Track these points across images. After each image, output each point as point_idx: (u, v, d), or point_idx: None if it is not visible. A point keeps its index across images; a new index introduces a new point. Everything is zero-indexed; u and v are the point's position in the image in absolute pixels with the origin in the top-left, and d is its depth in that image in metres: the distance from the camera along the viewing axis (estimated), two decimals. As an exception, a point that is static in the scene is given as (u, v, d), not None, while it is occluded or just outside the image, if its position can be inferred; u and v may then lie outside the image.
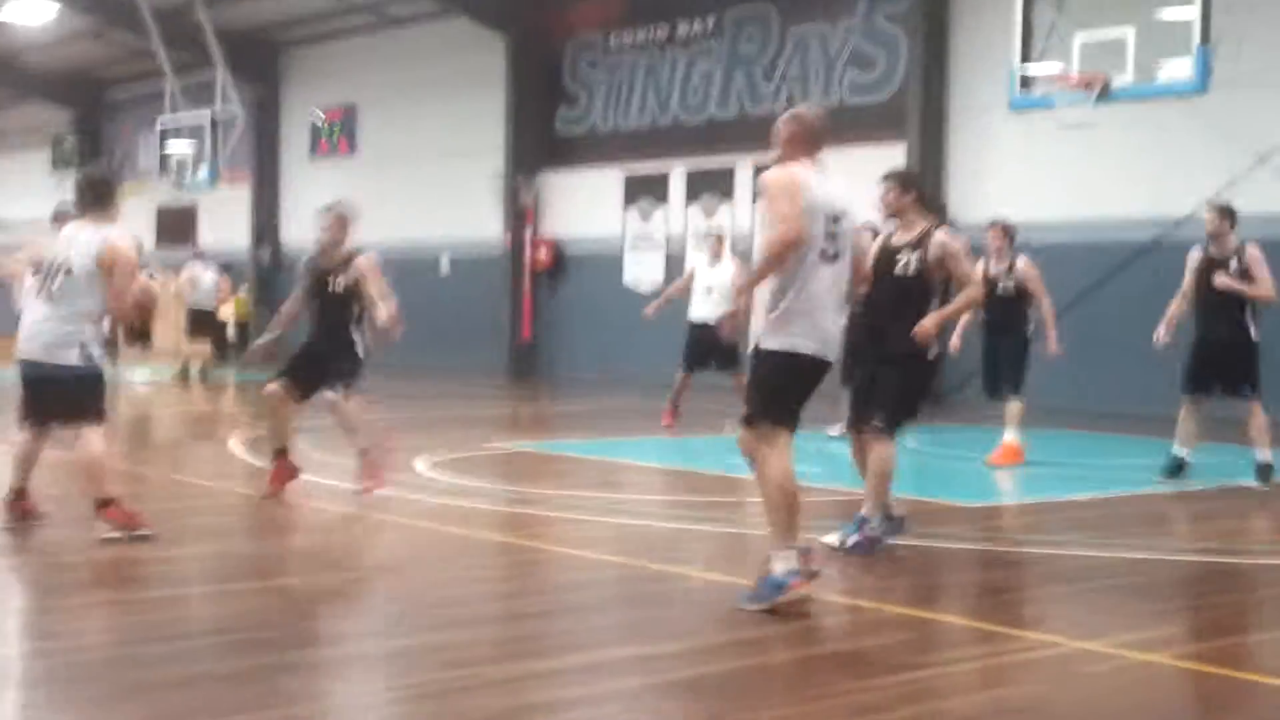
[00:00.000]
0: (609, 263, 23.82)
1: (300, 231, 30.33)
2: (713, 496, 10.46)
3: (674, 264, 22.28)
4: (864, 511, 8.05)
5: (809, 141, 6.94)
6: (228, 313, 26.26)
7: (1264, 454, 10.80)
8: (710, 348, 14.55)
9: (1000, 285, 12.01)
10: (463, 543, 8.52)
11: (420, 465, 11.45)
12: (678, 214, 23.11)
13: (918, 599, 7.25)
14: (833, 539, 8.07)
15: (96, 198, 8.33)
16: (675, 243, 22.99)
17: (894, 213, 8.46)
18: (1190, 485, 10.99)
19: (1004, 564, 8.15)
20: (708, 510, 9.76)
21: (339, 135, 29.61)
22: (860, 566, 7.79)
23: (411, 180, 27.57)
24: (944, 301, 8.42)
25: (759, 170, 21.82)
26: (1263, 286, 10.90)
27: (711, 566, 7.80)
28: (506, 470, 12.20)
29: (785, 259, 6.61)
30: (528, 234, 25.22)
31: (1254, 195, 16.84)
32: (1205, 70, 13.46)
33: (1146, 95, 14.50)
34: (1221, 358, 11.03)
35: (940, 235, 8.28)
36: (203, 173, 24.04)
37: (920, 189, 8.82)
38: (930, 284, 8.22)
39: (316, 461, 11.23)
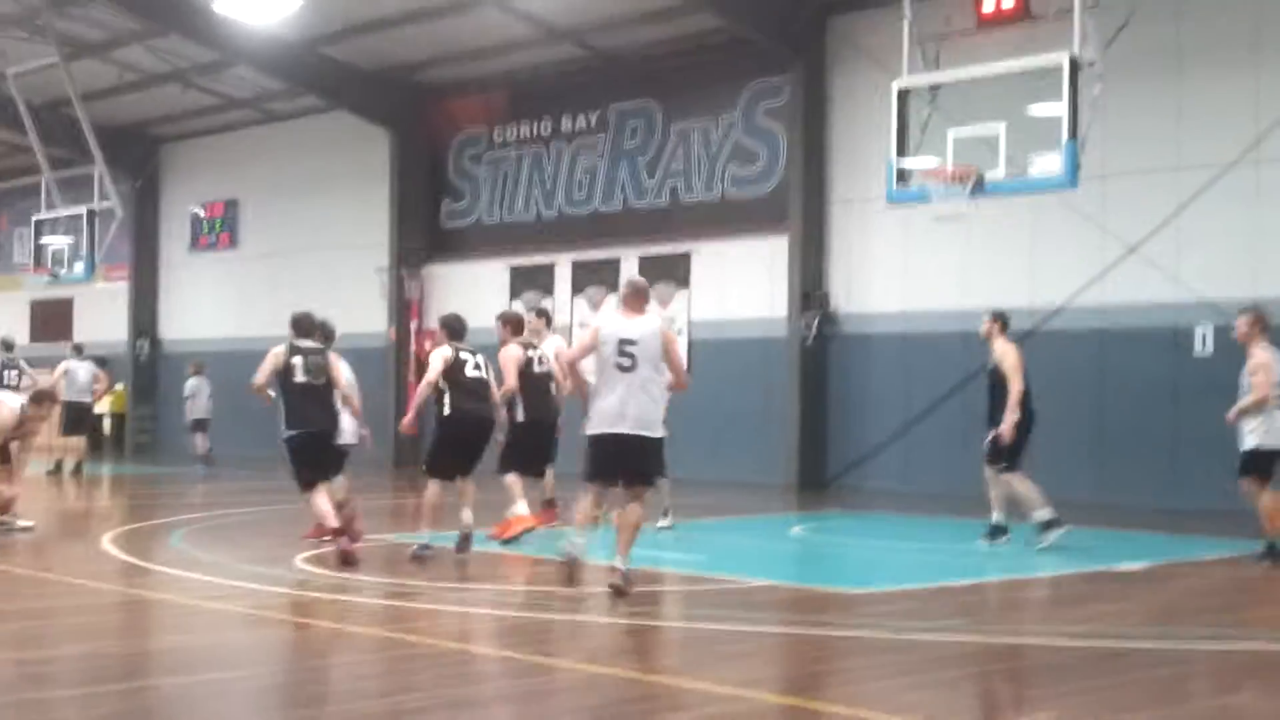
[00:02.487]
0: (495, 353, 23.71)
1: (179, 324, 29.96)
2: (599, 587, 10.40)
3: (560, 355, 22.28)
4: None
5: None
6: (104, 407, 25.71)
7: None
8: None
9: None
10: (339, 638, 8.36)
11: (299, 559, 11.24)
12: (564, 305, 23.18)
13: (796, 687, 7.24)
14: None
15: None
16: (561, 333, 22.99)
17: None
18: (1062, 570, 11.16)
19: (883, 650, 8.17)
20: (593, 601, 9.68)
21: (220, 229, 29.35)
22: (732, 654, 7.76)
23: (295, 273, 27.38)
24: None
25: (643, 261, 22.03)
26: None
27: (591, 659, 7.73)
28: (385, 563, 12.01)
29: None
30: (413, 326, 25.12)
31: (1123, 287, 17.36)
32: (1074, 165, 13.80)
33: (1019, 189, 14.84)
34: None
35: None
36: (79, 267, 23.62)
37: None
38: None
39: (194, 559, 11.00)
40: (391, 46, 23.76)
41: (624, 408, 9.44)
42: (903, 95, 14.91)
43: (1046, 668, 7.71)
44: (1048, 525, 12.23)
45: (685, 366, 10.23)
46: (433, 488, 11.55)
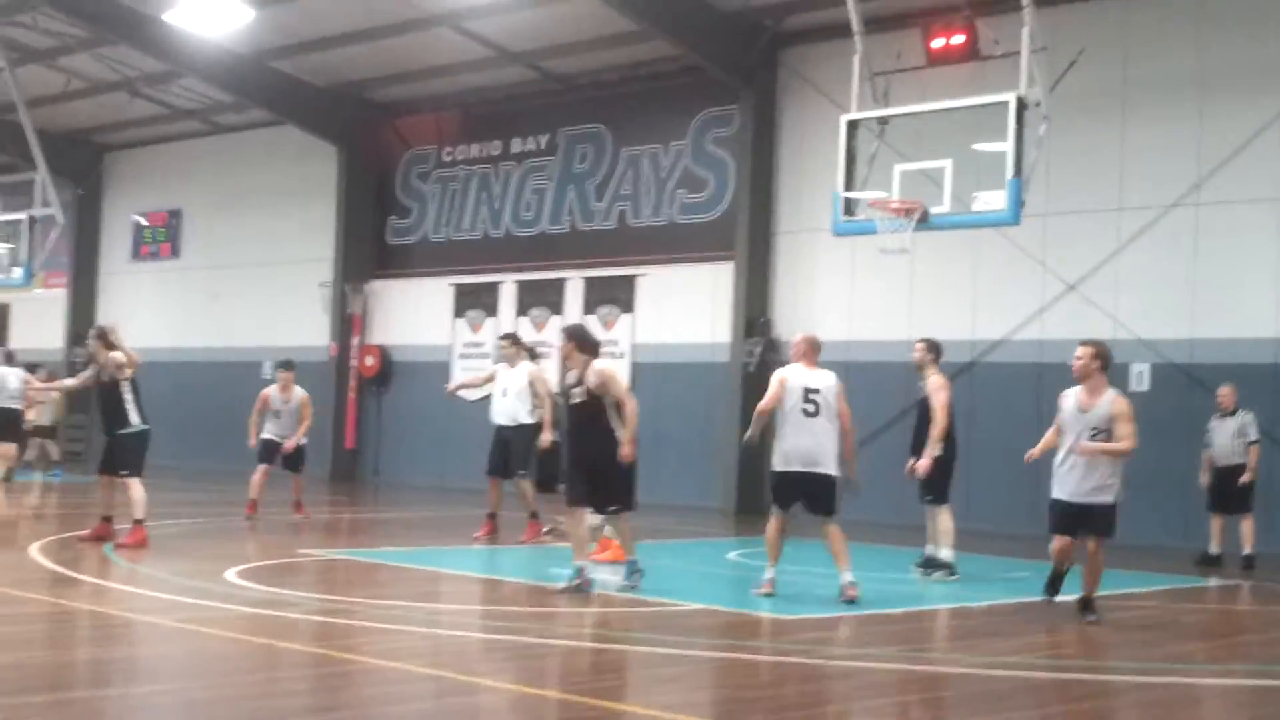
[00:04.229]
0: (437, 371, 23.70)
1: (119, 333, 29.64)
2: (531, 606, 10.37)
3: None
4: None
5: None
6: (48, 417, 25.32)
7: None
8: (505, 450, 14.76)
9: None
10: (271, 654, 8.27)
11: (230, 574, 11.13)
12: (507, 324, 23.17)
13: (727, 712, 7.24)
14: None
15: None
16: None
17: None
18: (993, 600, 11.25)
19: (814, 677, 8.19)
20: (525, 621, 9.66)
21: (162, 239, 29.12)
22: (667, 678, 7.76)
23: (236, 286, 27.21)
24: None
25: (588, 283, 22.07)
26: None
27: (522, 680, 7.70)
28: (321, 579, 11.92)
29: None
30: (355, 341, 25.01)
31: (1061, 322, 17.55)
32: (1017, 201, 13.98)
33: (963, 224, 15.01)
34: None
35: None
36: (18, 272, 23.35)
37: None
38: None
39: (124, 570, 10.86)
40: (343, 63, 23.70)
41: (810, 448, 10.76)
42: (851, 128, 15.06)
43: (976, 696, 7.75)
44: (943, 566, 12.31)
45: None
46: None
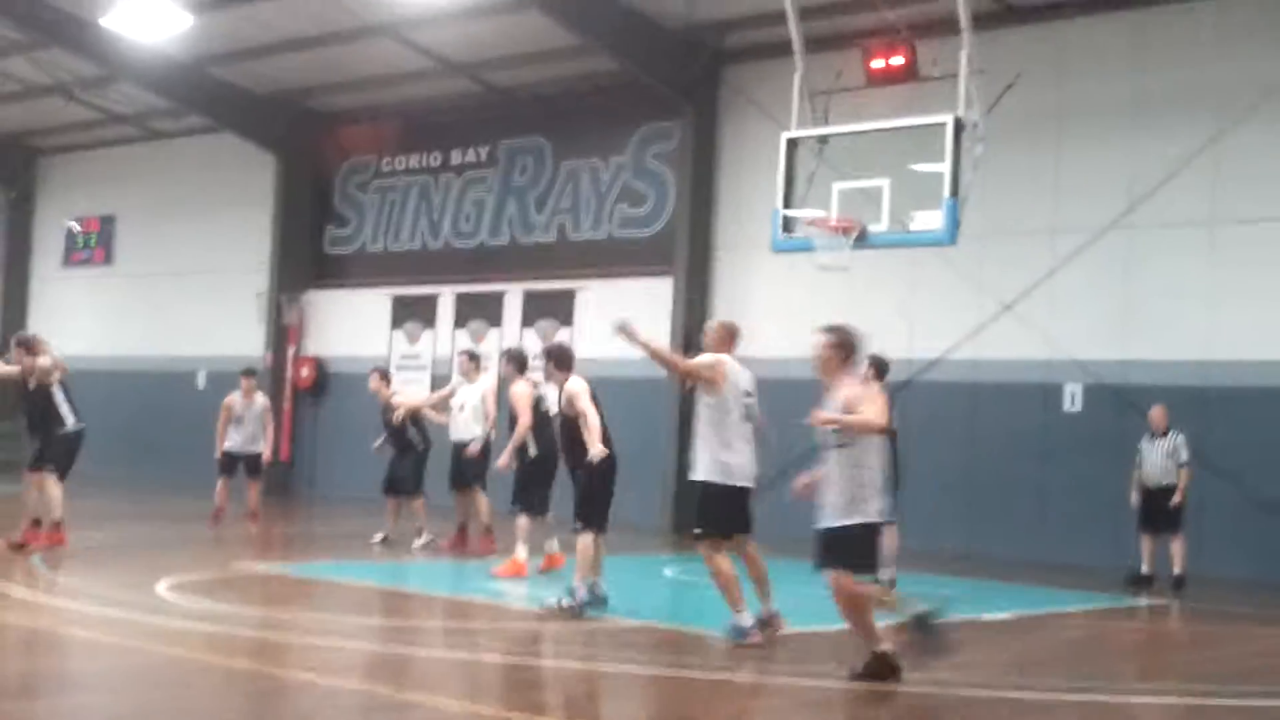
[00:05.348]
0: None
1: (50, 340, 29.23)
2: (469, 622, 10.30)
3: (439, 385, 22.13)
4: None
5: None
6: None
7: None
8: (458, 462, 15.12)
9: None
10: (199, 669, 8.17)
11: (161, 587, 10.98)
12: (445, 337, 23.05)
13: (665, 729, 7.23)
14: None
15: None
16: (441, 365, 22.86)
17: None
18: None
19: (748, 694, 8.19)
20: (462, 637, 9.60)
21: (95, 245, 28.76)
22: (605, 693, 7.73)
23: (170, 294, 26.90)
24: None
25: (527, 296, 22.03)
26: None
27: (454, 695, 7.65)
28: (253, 593, 11.79)
29: None
30: (290, 352, 24.80)
31: (997, 343, 17.71)
32: (954, 222, 14.08)
33: (900, 243, 15.09)
34: None
35: None
36: (-53, 277, 23.01)
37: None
38: None
39: (52, 582, 10.69)
40: (283, 71, 23.51)
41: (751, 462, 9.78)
42: (791, 146, 15.12)
43: (907, 714, 7.79)
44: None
45: None
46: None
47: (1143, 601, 13.70)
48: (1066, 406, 17.15)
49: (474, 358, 15.84)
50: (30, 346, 13.50)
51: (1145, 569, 14.68)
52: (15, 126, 28.04)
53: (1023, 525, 17.20)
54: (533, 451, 12.95)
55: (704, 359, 9.87)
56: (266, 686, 7.82)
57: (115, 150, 28.22)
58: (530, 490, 12.96)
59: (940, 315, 18.18)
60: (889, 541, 12.33)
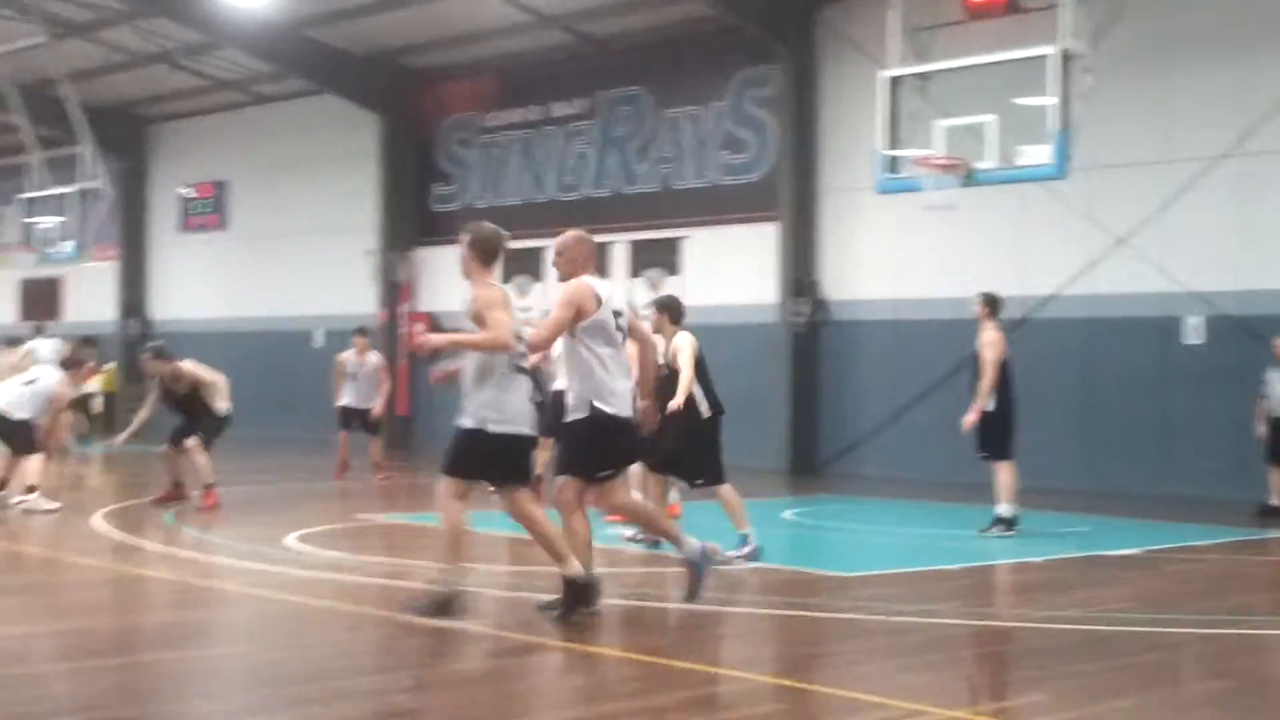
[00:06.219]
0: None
1: (169, 305, 29.90)
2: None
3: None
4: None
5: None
6: (94, 386, 25.62)
7: None
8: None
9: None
10: (330, 616, 8.37)
11: (290, 539, 11.26)
12: (553, 289, 23.17)
13: (790, 669, 7.28)
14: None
15: None
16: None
17: None
18: (1053, 555, 11.23)
19: (876, 632, 8.22)
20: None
21: (209, 210, 29.30)
22: (727, 636, 7.80)
23: (284, 255, 27.34)
24: None
25: (633, 246, 22.04)
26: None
27: (583, 639, 7.75)
28: (378, 543, 12.04)
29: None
30: (403, 309, 25.10)
31: (1112, 277, 17.43)
32: (1064, 156, 13.84)
33: (1008, 180, 14.87)
34: None
35: None
36: (69, 246, 23.55)
37: None
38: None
39: (187, 537, 10.97)
40: (381, 30, 23.69)
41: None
42: (892, 85, 14.93)
43: (1037, 651, 7.76)
44: (1003, 523, 12.26)
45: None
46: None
47: (1273, 534, 13.46)
48: (1187, 339, 16.85)
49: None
50: (163, 354, 13.89)
51: (1275, 500, 14.43)
52: (124, 96, 28.54)
53: (1145, 461, 16.97)
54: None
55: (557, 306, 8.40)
56: (396, 633, 7.99)
57: (222, 116, 28.67)
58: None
59: (1052, 251, 17.93)
60: (1007, 478, 12.26)
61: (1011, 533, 12.20)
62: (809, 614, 8.60)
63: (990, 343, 12.46)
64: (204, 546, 11.09)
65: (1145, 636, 8.04)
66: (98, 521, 12.54)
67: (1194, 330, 16.79)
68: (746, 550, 10.33)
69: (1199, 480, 16.27)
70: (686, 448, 10.56)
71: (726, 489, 10.58)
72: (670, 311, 11.26)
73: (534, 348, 8.41)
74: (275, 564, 10.01)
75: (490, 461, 8.06)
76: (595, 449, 8.20)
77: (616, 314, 8.33)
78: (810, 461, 20.05)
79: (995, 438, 12.37)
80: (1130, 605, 9.19)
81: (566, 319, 8.17)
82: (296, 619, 8.27)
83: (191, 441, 13.55)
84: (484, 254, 8.41)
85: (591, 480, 8.29)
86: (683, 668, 6.97)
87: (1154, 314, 17.09)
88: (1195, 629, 8.31)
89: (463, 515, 8.04)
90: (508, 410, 8.01)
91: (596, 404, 8.14)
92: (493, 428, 7.97)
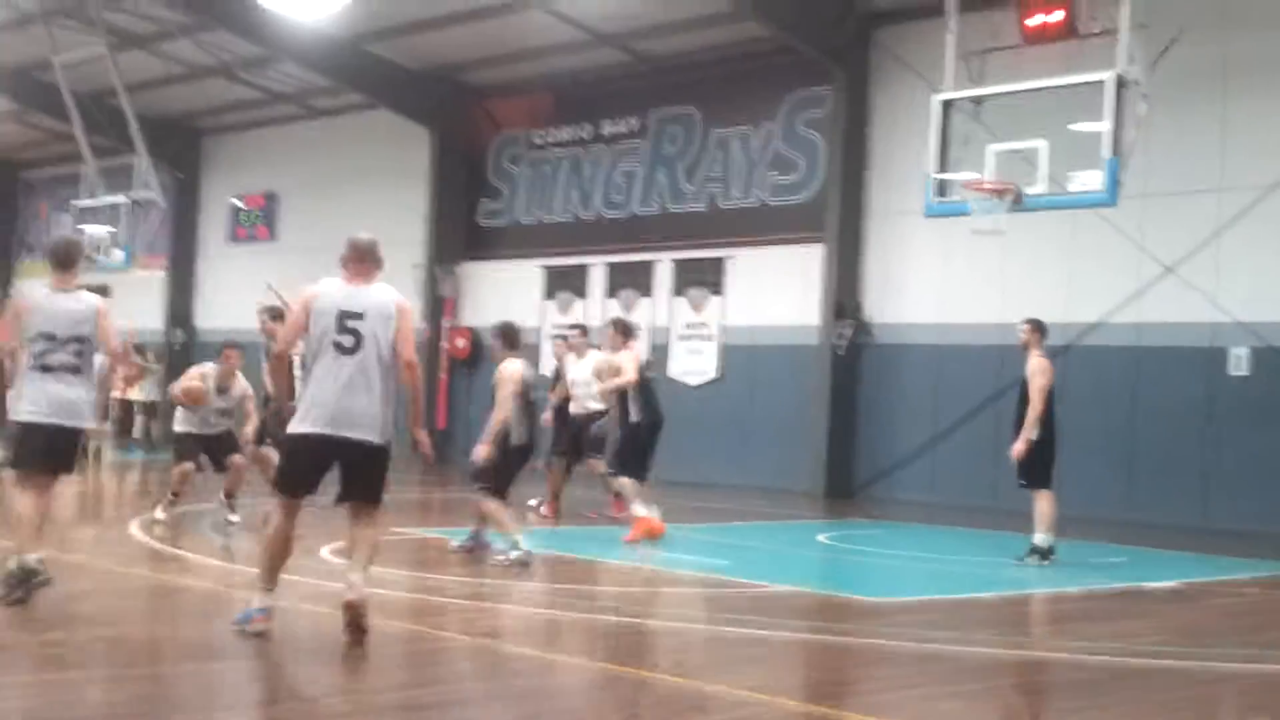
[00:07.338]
0: (526, 353, 23.68)
1: (215, 315, 30.15)
2: (613, 586, 10.39)
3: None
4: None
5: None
6: (140, 394, 25.85)
7: None
8: (575, 437, 15.61)
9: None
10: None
11: (325, 551, 11.28)
12: (596, 307, 23.20)
13: (820, 694, 7.21)
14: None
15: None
16: (594, 335, 23.02)
17: None
18: (1090, 586, 11.10)
19: (907, 660, 8.14)
20: (610, 600, 9.68)
21: (258, 221, 29.53)
22: (758, 659, 7.74)
23: (331, 268, 27.33)
24: None
25: (677, 265, 22.07)
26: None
27: (613, 658, 7.72)
28: (411, 558, 12.04)
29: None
30: (446, 324, 25.19)
31: (1159, 306, 17.26)
32: (1114, 182, 13.73)
33: (1058, 205, 14.78)
34: None
35: None
36: (118, 254, 23.80)
37: None
38: None
39: (223, 547, 11.02)
40: (436, 46, 23.85)
41: (343, 401, 7.77)
42: (945, 108, 14.87)
43: (1071, 683, 7.67)
44: (1039, 552, 12.11)
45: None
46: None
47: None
48: (1232, 370, 16.65)
49: (584, 332, 16.64)
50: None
51: (1317, 535, 14.23)
52: (181, 108, 28.87)
53: (1187, 493, 16.77)
54: (635, 417, 13.36)
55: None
56: (428, 647, 7.99)
57: (276, 129, 28.93)
58: (630, 455, 13.32)
59: (1100, 278, 17.78)
60: (1045, 507, 12.12)
61: (1047, 562, 12.07)
62: (840, 639, 8.53)
63: (1039, 370, 12.33)
64: (241, 556, 11.12)
65: (1181, 671, 7.93)
66: (134, 529, 12.61)
67: (1240, 361, 16.59)
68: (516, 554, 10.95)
69: (1241, 513, 16.06)
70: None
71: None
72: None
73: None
74: (310, 576, 10.03)
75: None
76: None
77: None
78: (847, 485, 19.94)
79: (1037, 466, 12.25)
80: (1167, 639, 9.06)
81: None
82: (330, 633, 8.26)
83: (267, 448, 13.36)
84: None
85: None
86: (710, 690, 6.92)
87: (1200, 344, 16.91)
88: (1233, 663, 8.18)
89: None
90: None
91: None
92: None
